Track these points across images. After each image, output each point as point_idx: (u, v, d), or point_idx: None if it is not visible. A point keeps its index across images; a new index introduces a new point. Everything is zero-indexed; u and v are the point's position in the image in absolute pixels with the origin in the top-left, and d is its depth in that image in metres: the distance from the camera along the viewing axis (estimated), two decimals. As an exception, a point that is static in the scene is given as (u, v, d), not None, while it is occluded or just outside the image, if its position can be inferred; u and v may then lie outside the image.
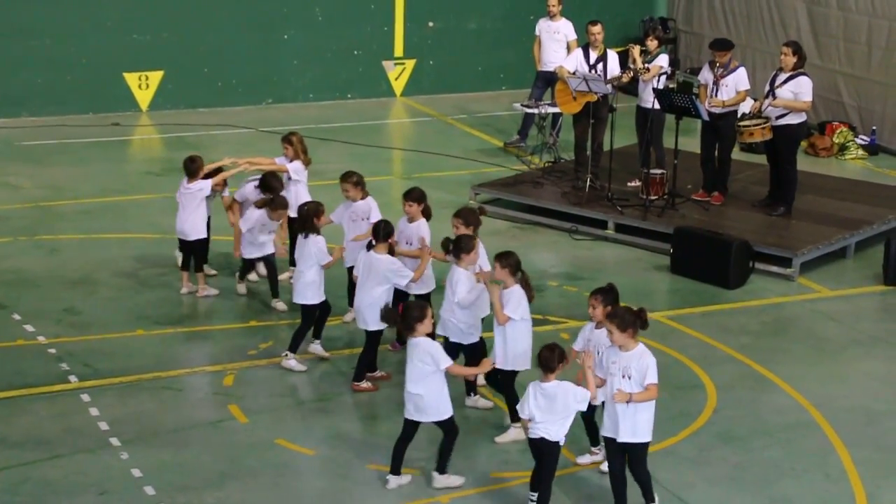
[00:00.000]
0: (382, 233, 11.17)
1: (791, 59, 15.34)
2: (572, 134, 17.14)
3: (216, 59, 21.91)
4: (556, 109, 17.71)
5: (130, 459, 10.06)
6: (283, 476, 9.94)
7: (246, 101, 22.24)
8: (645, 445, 9.20)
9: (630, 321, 9.10)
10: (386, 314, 10.13)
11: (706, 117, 15.52)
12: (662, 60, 16.48)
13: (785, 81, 15.34)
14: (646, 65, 16.30)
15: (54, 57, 20.86)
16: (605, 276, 14.47)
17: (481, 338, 10.79)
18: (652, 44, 16.56)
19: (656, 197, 15.89)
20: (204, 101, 21.93)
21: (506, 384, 10.51)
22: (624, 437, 9.10)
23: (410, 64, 23.49)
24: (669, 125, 16.27)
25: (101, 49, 21.14)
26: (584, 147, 16.88)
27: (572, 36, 18.89)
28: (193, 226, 13.31)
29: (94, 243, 15.12)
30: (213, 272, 13.92)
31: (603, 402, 9.26)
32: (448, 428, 9.72)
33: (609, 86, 16.13)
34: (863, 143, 20.19)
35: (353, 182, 12.35)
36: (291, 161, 13.51)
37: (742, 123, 15.60)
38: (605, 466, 9.62)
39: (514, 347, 10.34)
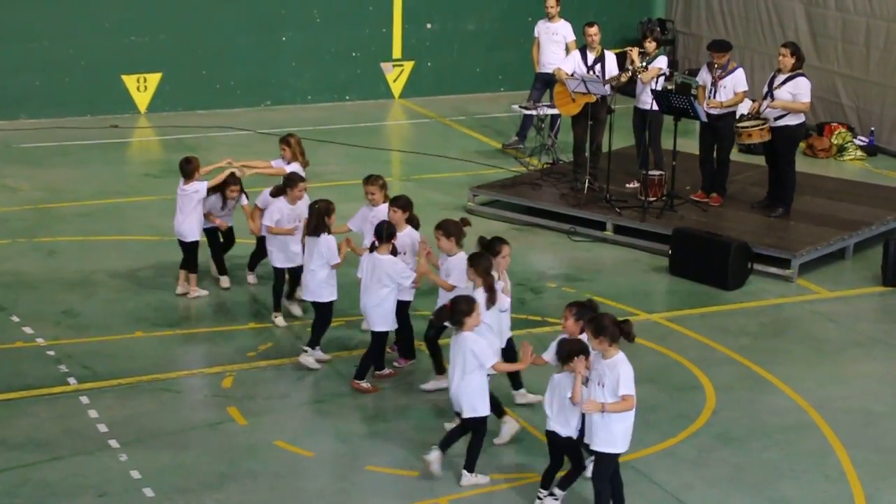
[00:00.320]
0: (385, 233, 11.18)
1: (789, 61, 15.35)
2: (571, 135, 17.15)
3: (214, 60, 21.92)
4: (555, 111, 17.72)
5: (129, 461, 10.06)
6: (283, 478, 9.93)
7: (244, 102, 22.25)
8: (613, 456, 9.07)
9: (603, 328, 8.96)
10: (440, 314, 10.06)
11: (704, 118, 15.53)
12: (661, 62, 16.49)
13: (783, 82, 15.35)
14: (644, 64, 16.30)
15: (52, 59, 20.86)
16: (603, 277, 14.52)
17: (510, 339, 10.81)
18: (650, 45, 16.57)
19: (655, 198, 15.90)
20: (202, 103, 21.93)
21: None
22: (598, 446, 9.05)
23: (409, 65, 23.50)
24: (668, 126, 16.27)
25: (99, 51, 21.14)
26: (582, 148, 16.89)
27: (571, 37, 18.90)
28: (190, 227, 13.31)
29: (92, 245, 15.12)
30: (253, 280, 13.86)
31: None
32: (476, 427, 9.77)
33: (607, 87, 16.14)
34: (861, 143, 20.20)
35: (380, 185, 12.21)
36: (289, 163, 13.50)
37: (740, 125, 15.61)
38: (589, 472, 9.57)
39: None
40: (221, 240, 13.76)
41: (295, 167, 13.42)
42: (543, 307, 13.37)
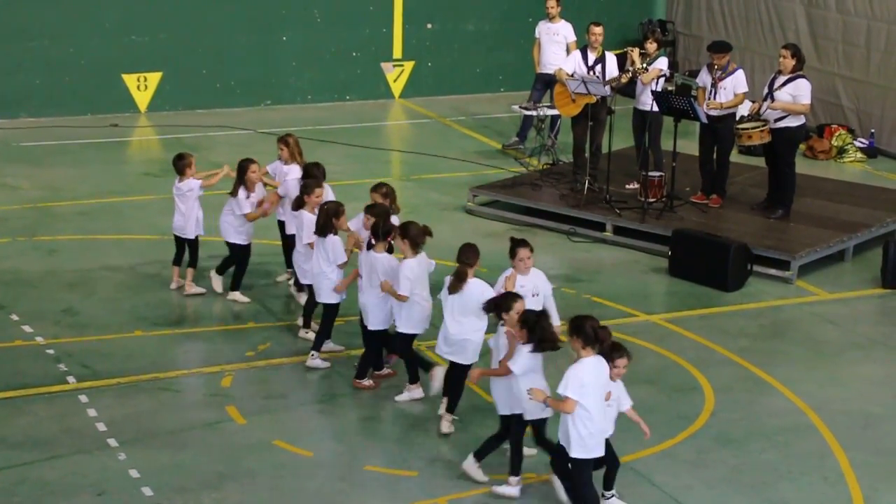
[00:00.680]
0: (382, 231, 11.16)
1: (790, 62, 15.35)
2: (571, 136, 17.15)
3: (215, 60, 21.92)
4: (555, 112, 17.72)
5: (128, 460, 10.06)
6: (282, 477, 9.93)
7: (244, 102, 22.24)
8: (574, 460, 9.11)
9: (579, 328, 8.99)
10: (488, 305, 10.03)
11: (705, 120, 15.52)
12: (662, 63, 16.48)
13: (783, 84, 15.35)
14: (645, 66, 16.30)
15: (53, 58, 20.86)
16: (603, 278, 14.52)
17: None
18: (651, 46, 16.56)
19: (654, 199, 15.89)
20: (202, 103, 21.93)
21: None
22: (562, 441, 9.18)
23: (409, 65, 23.50)
24: (668, 127, 16.27)
25: (99, 50, 21.14)
26: (582, 149, 16.89)
27: (572, 38, 18.90)
28: (186, 225, 13.40)
29: (92, 244, 15.12)
30: (283, 277, 13.84)
31: None
32: (503, 425, 9.79)
33: (607, 88, 16.14)
34: (861, 145, 20.20)
35: (383, 193, 12.01)
36: (287, 163, 13.44)
37: (741, 126, 15.60)
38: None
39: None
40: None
41: (294, 169, 13.36)
42: (543, 308, 13.36)
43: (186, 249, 13.57)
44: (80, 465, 9.96)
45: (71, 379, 11.47)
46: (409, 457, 10.23)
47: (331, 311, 11.85)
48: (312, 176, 12.68)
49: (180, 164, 13.35)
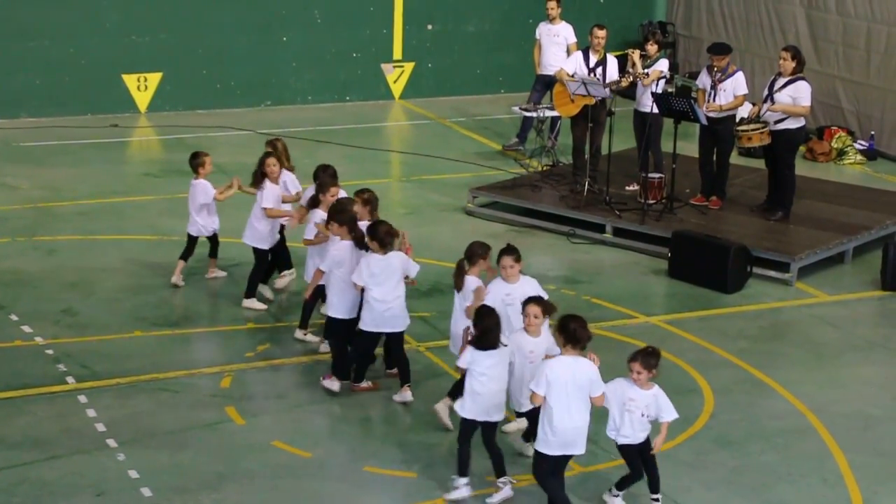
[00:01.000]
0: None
1: (790, 64, 15.35)
2: (570, 138, 17.15)
3: (215, 60, 21.92)
4: (555, 113, 17.72)
5: (127, 461, 10.06)
6: (281, 478, 9.93)
7: (244, 102, 22.25)
8: (535, 451, 9.30)
9: (563, 327, 9.12)
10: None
11: (705, 122, 15.52)
12: (662, 65, 16.49)
13: (784, 86, 15.35)
14: (645, 69, 16.31)
15: (53, 58, 20.87)
16: (602, 279, 14.52)
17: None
18: (652, 48, 16.57)
19: (654, 201, 15.90)
20: (202, 103, 21.93)
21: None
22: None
23: (409, 66, 23.50)
24: (668, 129, 16.28)
25: (99, 50, 21.15)
26: (582, 151, 16.89)
27: (572, 39, 18.90)
28: (195, 223, 13.51)
29: (92, 244, 15.12)
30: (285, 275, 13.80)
31: None
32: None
33: (607, 90, 16.14)
34: (861, 148, 20.20)
35: (364, 199, 11.92)
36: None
37: (740, 128, 15.61)
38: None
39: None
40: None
41: (290, 177, 13.32)
42: (542, 309, 13.35)
43: (209, 247, 13.75)
44: (80, 466, 9.96)
45: (70, 379, 11.47)
46: (409, 458, 10.23)
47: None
48: (321, 179, 12.57)
49: (193, 164, 13.47)
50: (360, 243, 11.19)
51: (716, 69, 15.81)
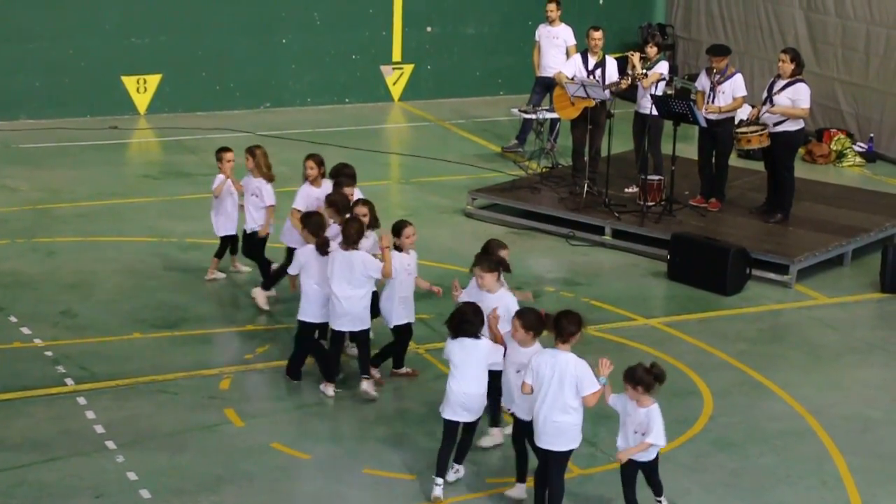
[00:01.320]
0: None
1: (789, 66, 15.36)
2: (570, 139, 17.15)
3: (214, 62, 21.92)
4: (555, 115, 17.72)
5: (126, 463, 10.06)
6: (279, 480, 9.93)
7: (244, 104, 22.25)
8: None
9: (529, 320, 9.44)
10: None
11: (704, 124, 15.53)
12: (662, 67, 16.50)
13: (783, 88, 15.36)
14: (645, 71, 16.31)
15: (52, 60, 20.87)
16: (601, 281, 14.52)
17: None
18: (652, 50, 16.58)
19: (653, 203, 15.90)
20: (202, 105, 21.93)
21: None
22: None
23: (408, 68, 23.50)
24: (667, 131, 16.28)
25: (99, 52, 21.14)
26: (581, 153, 16.90)
27: (571, 41, 18.91)
28: (215, 222, 13.73)
29: (91, 246, 15.11)
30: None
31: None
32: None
33: (607, 92, 16.15)
34: (860, 150, 20.20)
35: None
36: (254, 175, 13.32)
37: (740, 130, 15.61)
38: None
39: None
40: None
41: (262, 182, 13.30)
42: (541, 311, 13.34)
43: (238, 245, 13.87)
44: (78, 468, 9.96)
45: (69, 381, 11.47)
46: (408, 460, 10.23)
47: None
48: (342, 177, 12.53)
49: (216, 157, 13.78)
50: (320, 248, 11.23)
51: (715, 71, 15.82)
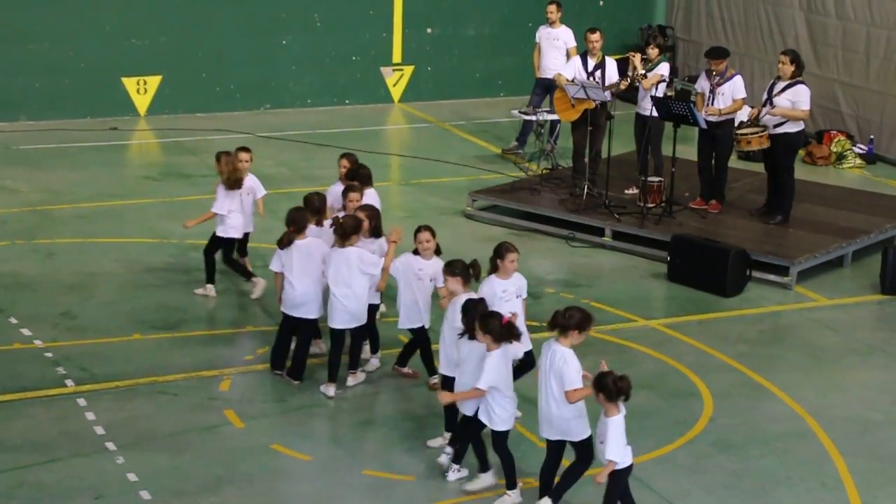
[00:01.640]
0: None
1: (789, 68, 15.36)
2: (570, 141, 17.16)
3: (214, 63, 21.93)
4: (555, 116, 17.72)
5: (126, 464, 10.06)
6: (279, 481, 9.93)
7: (244, 106, 22.25)
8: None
9: (485, 324, 9.50)
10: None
11: (704, 125, 15.53)
12: (663, 69, 16.50)
13: (783, 90, 15.36)
14: (644, 72, 16.31)
15: (52, 61, 20.87)
16: (602, 283, 14.52)
17: None
18: (653, 52, 16.57)
19: (654, 204, 15.90)
20: (202, 106, 21.93)
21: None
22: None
23: (409, 70, 23.51)
24: (667, 133, 16.29)
25: (99, 53, 21.15)
26: (581, 154, 16.90)
27: (572, 43, 18.91)
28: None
29: (91, 247, 15.11)
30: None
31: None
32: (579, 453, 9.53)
33: (607, 93, 16.15)
34: (860, 151, 20.21)
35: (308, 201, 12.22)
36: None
37: (740, 132, 15.62)
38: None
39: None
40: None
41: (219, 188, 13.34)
42: (541, 313, 13.29)
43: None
44: (78, 469, 9.96)
45: (69, 382, 11.47)
46: (407, 461, 10.23)
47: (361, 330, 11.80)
48: (357, 178, 12.62)
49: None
50: (279, 241, 11.47)
51: (714, 73, 15.83)
